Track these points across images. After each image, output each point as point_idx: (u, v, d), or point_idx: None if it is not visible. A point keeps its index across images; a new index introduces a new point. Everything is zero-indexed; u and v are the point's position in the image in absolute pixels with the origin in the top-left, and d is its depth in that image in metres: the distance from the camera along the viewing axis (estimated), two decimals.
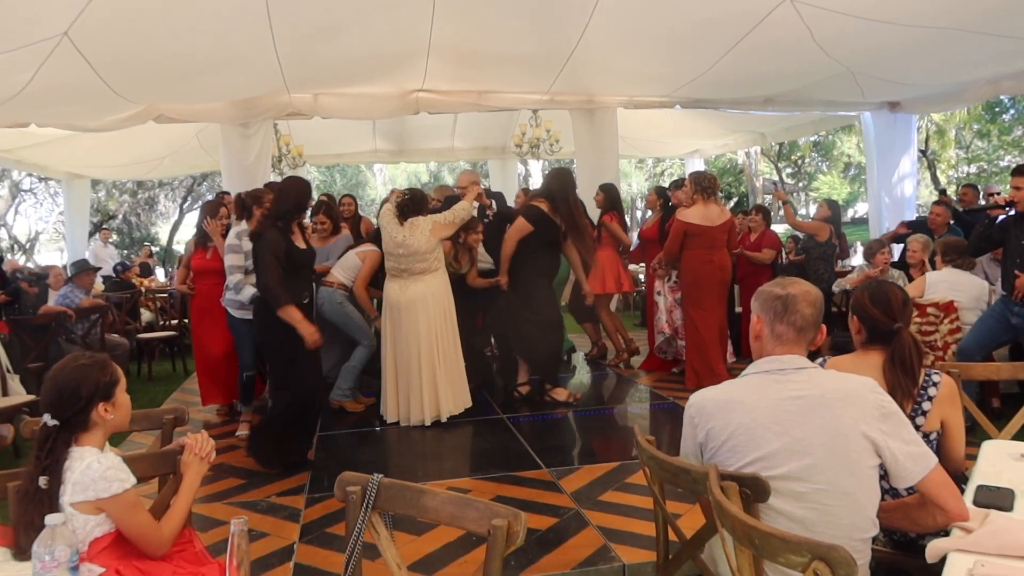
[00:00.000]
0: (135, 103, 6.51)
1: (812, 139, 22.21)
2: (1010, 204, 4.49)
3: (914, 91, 7.58)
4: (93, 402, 1.98)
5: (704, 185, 5.84)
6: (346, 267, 5.56)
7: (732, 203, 24.77)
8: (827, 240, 7.11)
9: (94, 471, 1.88)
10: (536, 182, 19.72)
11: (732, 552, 1.69)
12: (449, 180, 24.65)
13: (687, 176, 6.39)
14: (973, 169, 21.24)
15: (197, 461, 2.10)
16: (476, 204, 5.45)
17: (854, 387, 1.88)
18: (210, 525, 3.48)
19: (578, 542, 3.26)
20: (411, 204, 5.11)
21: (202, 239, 5.55)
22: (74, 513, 1.89)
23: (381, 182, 25.33)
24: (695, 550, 1.99)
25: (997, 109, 18.78)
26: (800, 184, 25.74)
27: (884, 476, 1.89)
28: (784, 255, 9.23)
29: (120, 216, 23.07)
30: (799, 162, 25.49)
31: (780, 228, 20.24)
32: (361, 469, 1.90)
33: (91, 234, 14.16)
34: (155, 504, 2.09)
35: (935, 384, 2.30)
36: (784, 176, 24.26)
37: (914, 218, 7.60)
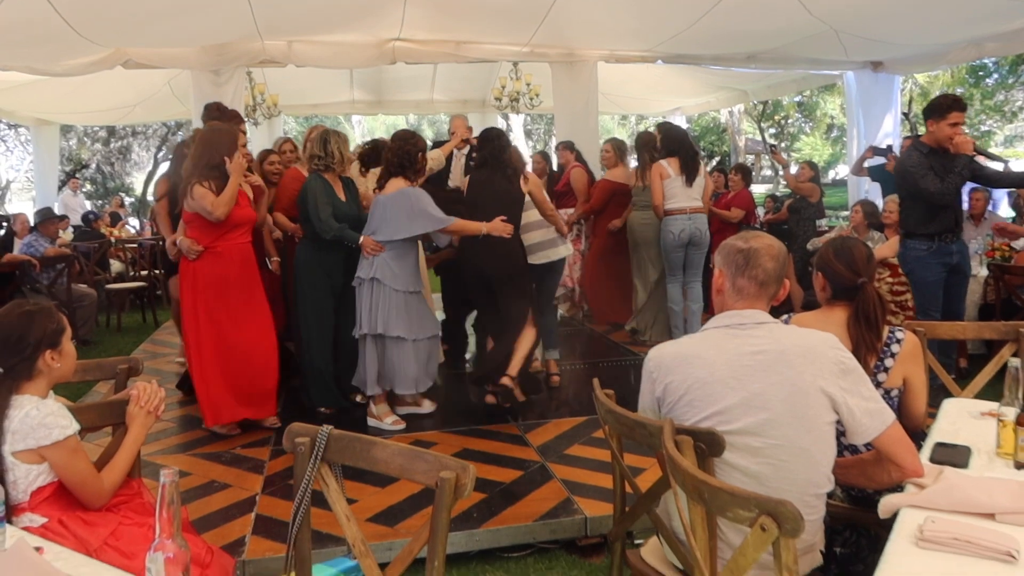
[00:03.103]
0: (101, 46, 6.28)
1: (796, 99, 22.03)
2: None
3: (897, 50, 7.48)
4: (40, 350, 1.93)
5: (624, 149, 6.81)
6: None
7: (715, 162, 24.68)
8: (818, 201, 7.19)
9: (32, 419, 1.83)
10: (517, 136, 19.38)
11: (684, 507, 1.67)
12: (429, 133, 24.29)
13: (606, 140, 6.93)
14: None
15: (143, 414, 2.05)
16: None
17: (814, 343, 1.86)
18: None
19: (542, 495, 3.28)
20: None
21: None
22: (15, 463, 1.84)
23: (360, 134, 24.92)
24: (650, 504, 1.98)
25: (981, 73, 18.70)
26: (782, 144, 25.65)
27: (842, 433, 1.88)
28: (763, 214, 9.23)
29: (93, 165, 22.56)
30: (782, 122, 25.36)
31: (761, 189, 20.24)
32: (326, 422, 1.84)
33: (63, 183, 13.78)
34: (101, 456, 2.04)
35: (898, 341, 2.28)
36: (767, 136, 24.14)
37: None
